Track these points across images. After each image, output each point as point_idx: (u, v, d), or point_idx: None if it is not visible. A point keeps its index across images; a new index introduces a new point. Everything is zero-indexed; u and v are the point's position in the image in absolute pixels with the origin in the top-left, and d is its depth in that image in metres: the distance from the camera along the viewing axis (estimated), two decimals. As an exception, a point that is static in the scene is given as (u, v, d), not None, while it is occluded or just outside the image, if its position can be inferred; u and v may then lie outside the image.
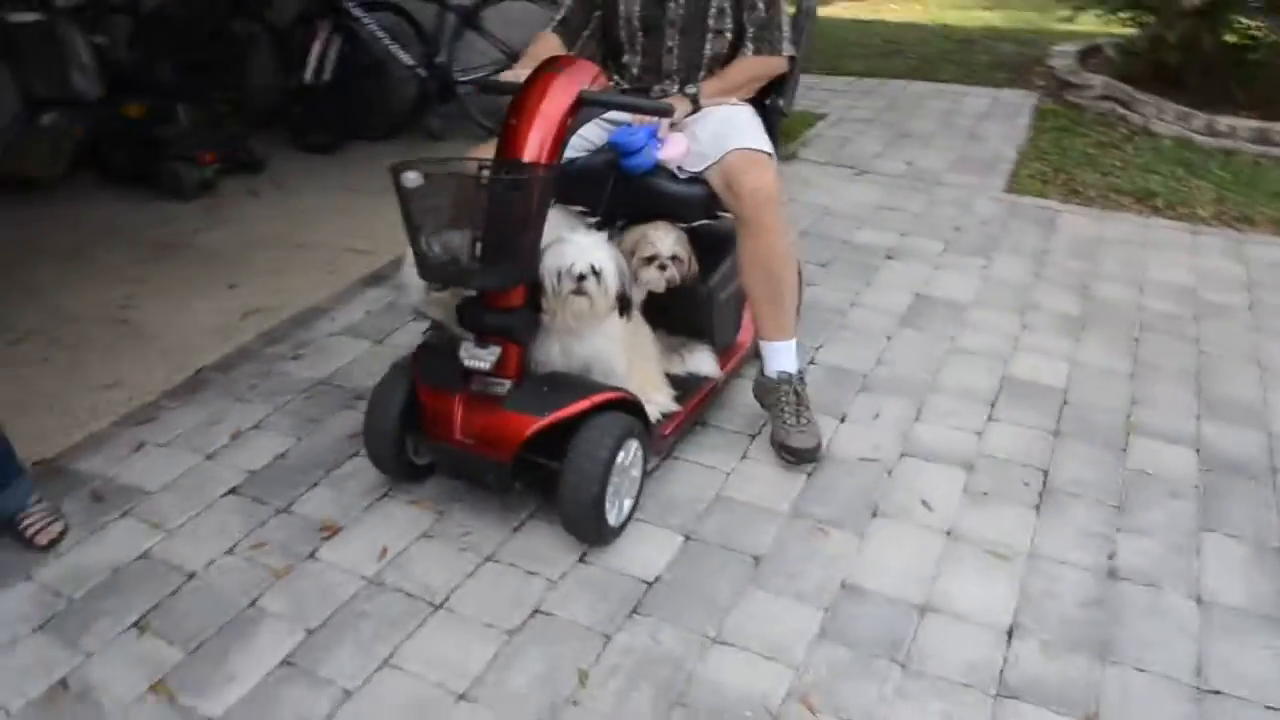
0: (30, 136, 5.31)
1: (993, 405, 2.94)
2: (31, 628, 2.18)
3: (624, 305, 2.37)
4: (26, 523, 2.39)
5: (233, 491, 2.62)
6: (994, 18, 9.18)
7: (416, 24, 5.61)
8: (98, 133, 5.29)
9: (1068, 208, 4.45)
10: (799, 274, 3.21)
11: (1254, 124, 5.08)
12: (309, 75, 5.42)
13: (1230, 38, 5.49)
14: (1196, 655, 2.05)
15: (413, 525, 2.46)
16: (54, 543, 2.39)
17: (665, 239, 2.57)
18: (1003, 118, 5.84)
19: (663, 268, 2.58)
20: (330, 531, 2.45)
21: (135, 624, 2.18)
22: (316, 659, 2.07)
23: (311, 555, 2.37)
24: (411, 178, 2.11)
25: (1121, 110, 5.66)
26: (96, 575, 2.33)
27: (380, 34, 5.48)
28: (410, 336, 3.23)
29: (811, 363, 3.16)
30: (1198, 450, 2.73)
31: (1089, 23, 6.87)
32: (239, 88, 5.65)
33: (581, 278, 2.27)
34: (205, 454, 2.78)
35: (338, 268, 3.97)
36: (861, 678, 2.00)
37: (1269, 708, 1.92)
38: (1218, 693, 1.96)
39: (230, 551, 2.39)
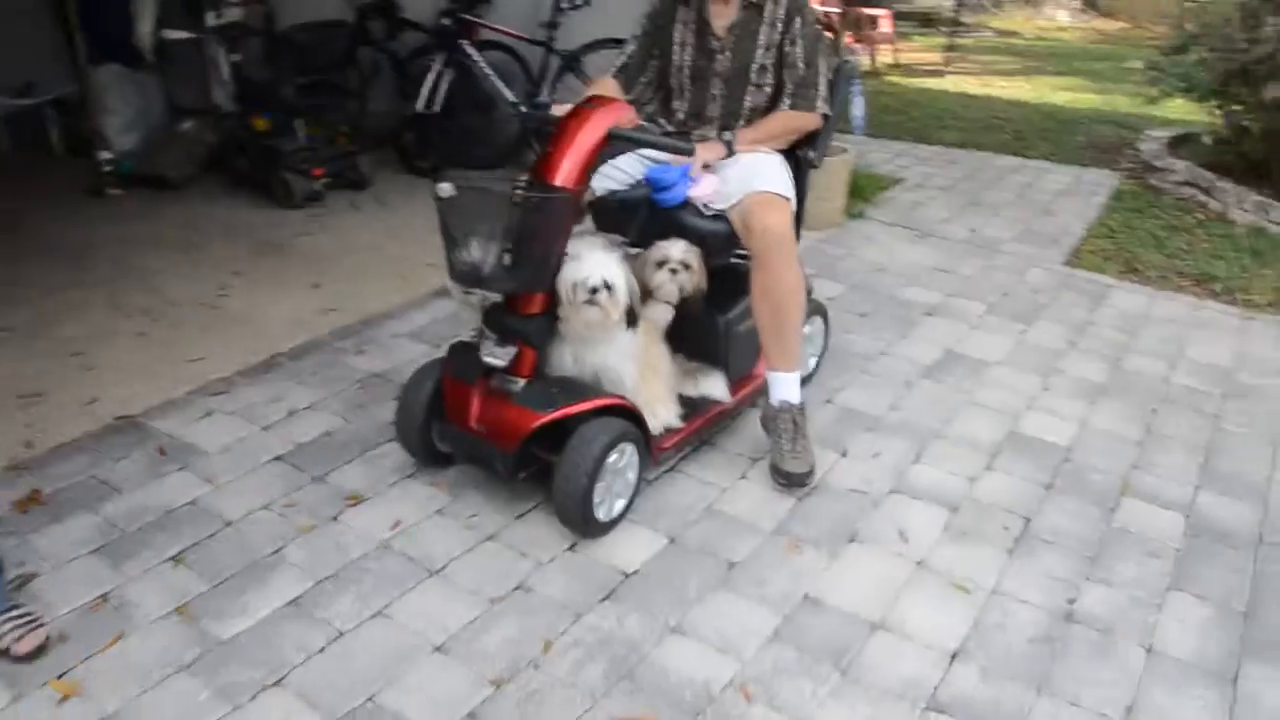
0: (168, 141, 5.86)
1: (993, 456, 3.06)
2: (88, 550, 2.51)
3: (631, 318, 2.60)
4: (3, 630, 2.15)
5: (278, 459, 2.93)
6: (1101, 101, 9.20)
7: (524, 64, 6.00)
8: (226, 142, 5.81)
9: (1122, 284, 4.52)
10: (825, 320, 3.42)
11: (1336, 218, 5.07)
12: (421, 105, 5.83)
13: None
14: (1132, 698, 2.15)
15: (428, 503, 2.72)
16: (38, 651, 2.15)
17: (675, 247, 2.81)
18: (1080, 195, 5.90)
19: (673, 271, 2.80)
20: (355, 501, 2.73)
21: (173, 557, 2.48)
22: (319, 603, 2.33)
23: (334, 518, 2.65)
24: (445, 188, 2.39)
25: (1201, 197, 5.68)
26: (149, 515, 2.65)
27: (489, 72, 5.88)
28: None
29: (828, 401, 3.33)
30: (1187, 516, 2.80)
31: (1191, 111, 6.89)
32: (358, 111, 6.11)
33: (594, 290, 2.51)
34: (262, 425, 3.11)
35: (414, 279, 4.29)
36: (801, 677, 2.16)
37: (1183, 749, 2.02)
38: (1140, 731, 2.06)
39: (265, 507, 2.69)
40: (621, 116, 2.63)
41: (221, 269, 4.41)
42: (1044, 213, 5.55)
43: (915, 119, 7.99)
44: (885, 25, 10.89)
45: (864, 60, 9.61)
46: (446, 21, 5.84)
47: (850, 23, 6.09)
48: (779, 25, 2.94)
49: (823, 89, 2.99)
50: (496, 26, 5.93)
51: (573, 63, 5.77)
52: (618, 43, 5.43)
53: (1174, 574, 2.56)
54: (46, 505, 2.70)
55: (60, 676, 2.11)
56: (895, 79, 10.20)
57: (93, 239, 4.77)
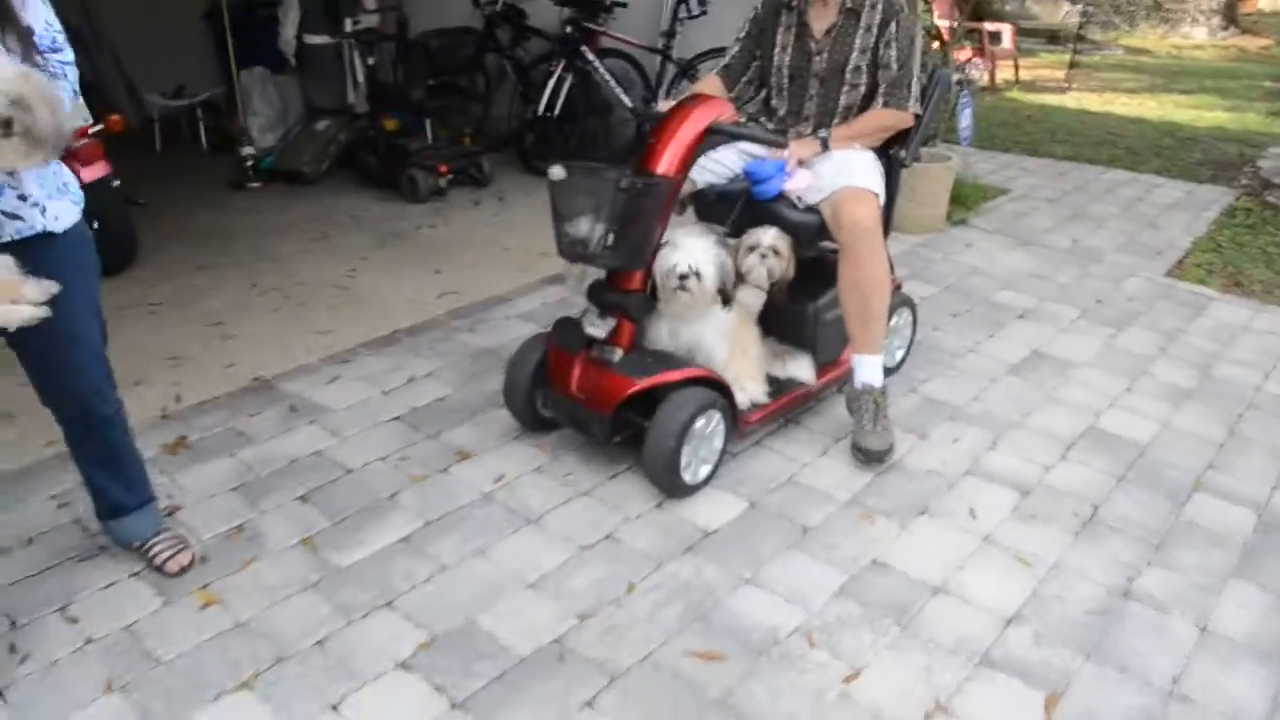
0: (304, 139, 6.30)
1: (1069, 447, 3.16)
2: (227, 489, 2.82)
3: (725, 298, 2.80)
4: (156, 549, 2.46)
5: (396, 419, 3.22)
6: (1226, 119, 9.02)
7: (642, 71, 6.26)
8: (357, 140, 6.22)
9: (1224, 297, 4.51)
10: (914, 313, 3.56)
11: None
12: (542, 108, 6.15)
13: None
14: (1181, 669, 2.25)
15: (529, 461, 2.97)
16: (184, 570, 2.44)
17: (766, 234, 3.00)
18: (1190, 210, 5.87)
19: (763, 256, 2.99)
20: (463, 457, 2.99)
21: (300, 497, 2.78)
22: (427, 541, 2.59)
23: (444, 470, 2.92)
24: (557, 171, 2.63)
25: (1318, 215, 5.60)
26: (280, 461, 2.96)
27: (608, 78, 6.16)
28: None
29: (912, 391, 3.47)
30: (1259, 514, 2.86)
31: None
32: (482, 113, 6.47)
33: (683, 276, 2.72)
34: (383, 390, 3.41)
35: (527, 267, 4.58)
36: (862, 629, 2.33)
37: (1227, 717, 2.11)
38: (1186, 698, 2.16)
39: (383, 459, 2.98)
40: (722, 112, 2.84)
41: (349, 255, 4.77)
42: (1150, 226, 5.55)
43: (1029, 133, 7.99)
44: (1007, 40, 10.86)
45: (982, 75, 9.60)
46: (569, 30, 6.15)
47: (961, 35, 6.16)
48: (875, 29, 3.11)
49: (915, 90, 3.14)
50: (617, 35, 6.21)
51: (689, 70, 6.01)
52: (730, 51, 5.66)
53: (1238, 564, 2.63)
54: (191, 449, 3.04)
55: (203, 588, 2.41)
56: (1015, 94, 10.17)
57: (234, 226, 5.19)
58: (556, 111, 6.21)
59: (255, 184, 6.01)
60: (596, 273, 2.86)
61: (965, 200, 5.64)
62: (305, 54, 6.58)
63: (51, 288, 1.91)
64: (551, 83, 6.16)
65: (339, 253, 4.81)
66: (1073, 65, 11.45)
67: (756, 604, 2.40)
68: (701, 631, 2.30)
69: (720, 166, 3.21)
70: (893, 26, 3.10)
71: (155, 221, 4.95)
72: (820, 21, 3.17)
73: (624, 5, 6.19)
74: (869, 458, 2.98)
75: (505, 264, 4.63)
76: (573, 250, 2.72)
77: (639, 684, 2.14)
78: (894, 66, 3.11)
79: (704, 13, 5.91)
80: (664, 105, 3.00)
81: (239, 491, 2.81)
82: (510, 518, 2.70)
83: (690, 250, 2.76)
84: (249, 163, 6.03)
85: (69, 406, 2.27)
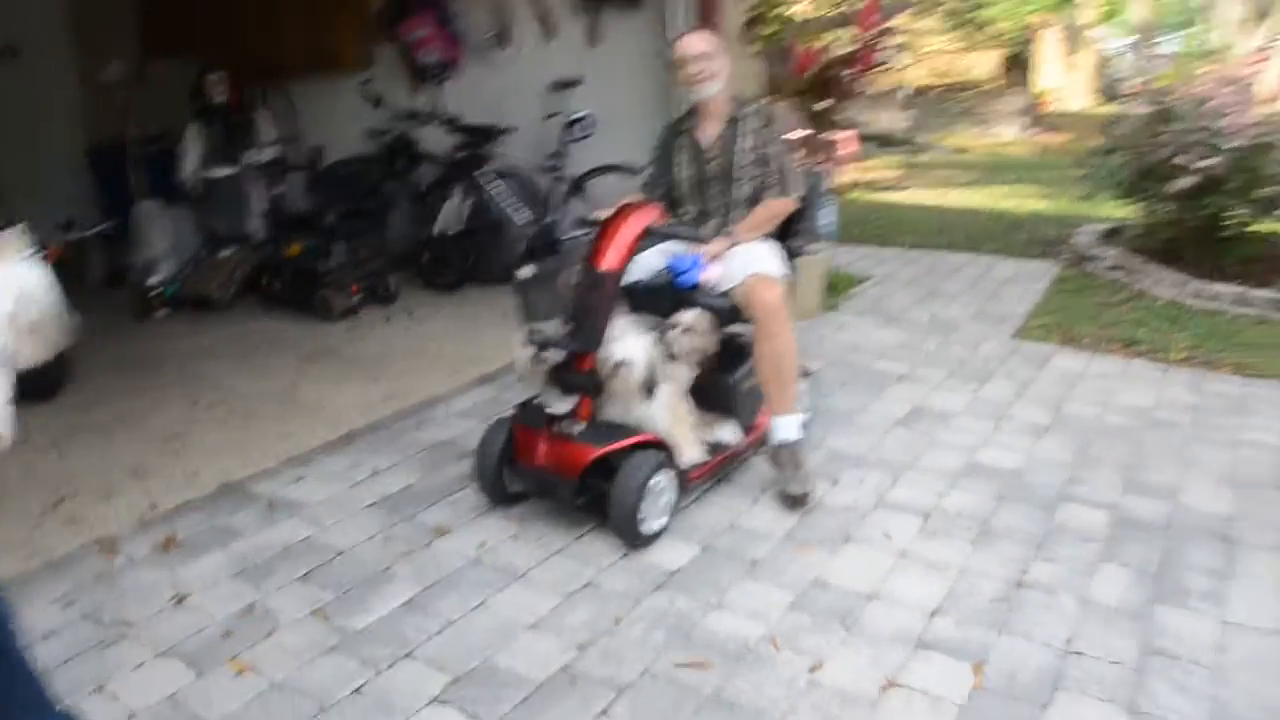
0: (208, 266, 6.59)
1: (956, 479, 3.72)
2: (229, 575, 3.12)
3: (649, 387, 3.28)
4: None
5: (371, 506, 3.56)
6: (1044, 206, 10.16)
7: (533, 190, 6.80)
8: (261, 265, 6.55)
9: (1062, 350, 5.25)
10: (812, 383, 4.11)
11: (1236, 289, 5.89)
12: (440, 227, 6.61)
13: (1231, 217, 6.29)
14: (1072, 633, 2.77)
15: (504, 530, 3.35)
16: None
17: (688, 314, 3.51)
18: (1025, 282, 6.71)
19: (684, 332, 3.48)
20: (442, 533, 3.35)
21: (300, 577, 3.10)
22: (431, 601, 2.94)
23: (428, 545, 3.27)
24: (525, 272, 3.12)
25: (1128, 278, 6.50)
26: (272, 549, 3.27)
27: (502, 197, 6.68)
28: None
29: (818, 448, 3.99)
30: (1111, 514, 3.46)
31: (1119, 208, 7.78)
32: (382, 235, 6.87)
33: (617, 365, 3.20)
34: (351, 484, 3.74)
35: (457, 371, 4.97)
36: (816, 633, 2.78)
37: (1112, 661, 2.64)
38: (1079, 653, 2.68)
39: (369, 540, 3.31)
40: (654, 216, 3.38)
41: (282, 370, 5.08)
42: (993, 297, 6.34)
43: (879, 227, 8.87)
44: (850, 145, 11.91)
45: (830, 178, 10.51)
46: (462, 154, 6.68)
47: (814, 145, 6.94)
48: (756, 133, 3.73)
49: (794, 179, 3.76)
50: (509, 156, 6.76)
51: (579, 186, 6.57)
52: (616, 168, 6.29)
53: (1103, 552, 3.20)
54: (183, 546, 3.31)
55: (232, 659, 2.70)
56: (858, 194, 11.16)
57: (155, 352, 5.47)
58: (455, 230, 6.69)
59: (163, 312, 6.26)
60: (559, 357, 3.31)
61: (835, 288, 6.33)
62: (207, 186, 6.88)
63: None
64: (450, 204, 6.64)
65: (270, 369, 5.11)
66: (907, 166, 12.61)
67: (726, 622, 2.83)
68: (685, 647, 2.72)
69: (647, 268, 3.73)
70: (771, 129, 3.73)
71: (70, 352, 5.14)
72: (709, 135, 3.78)
73: (511, 131, 6.77)
74: (795, 502, 3.47)
75: (436, 369, 5.02)
76: (539, 338, 3.17)
77: (643, 693, 2.54)
78: (775, 162, 3.72)
79: (589, 136, 6.51)
80: (602, 214, 3.51)
81: (241, 576, 3.10)
82: (499, 575, 3.08)
83: (625, 342, 3.24)
84: (154, 291, 6.28)
85: None
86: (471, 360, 5.15)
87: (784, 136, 3.81)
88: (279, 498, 3.64)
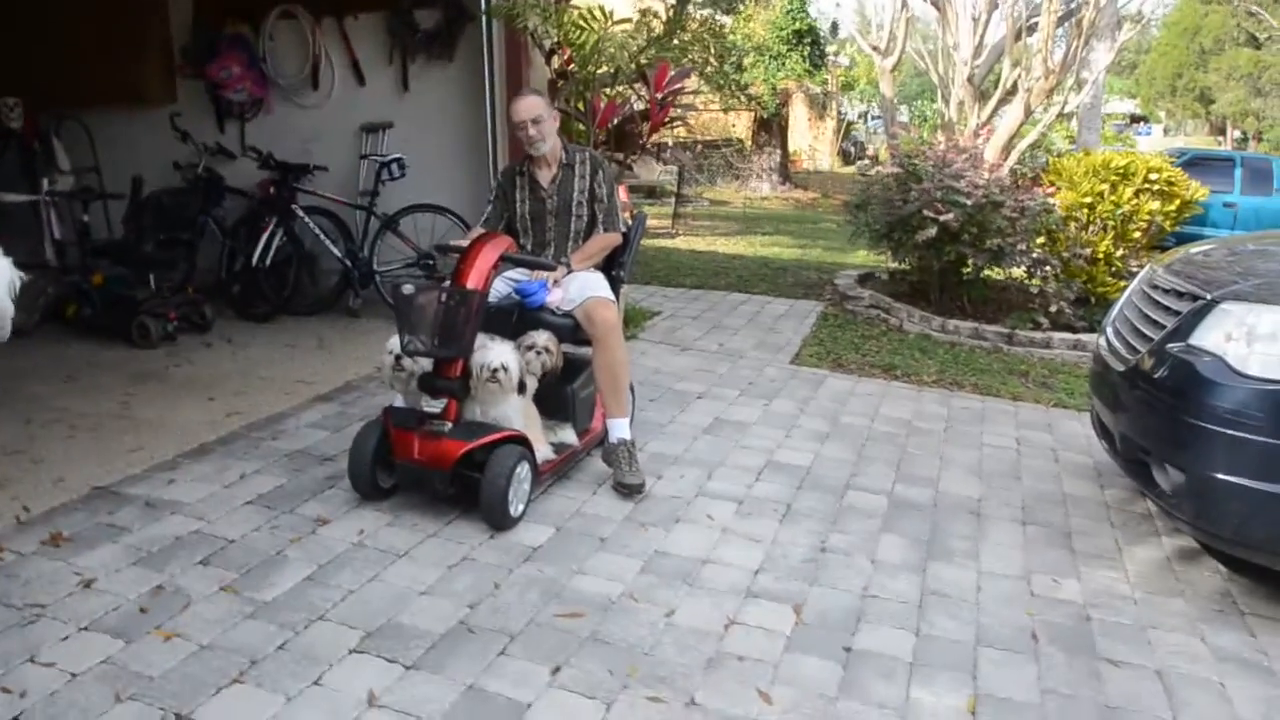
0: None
1: (759, 473, 4.42)
2: (129, 564, 3.35)
3: (522, 388, 3.79)
4: None
5: (249, 503, 3.85)
6: (804, 254, 11.35)
7: (345, 226, 7.12)
8: (66, 294, 6.53)
9: (834, 374, 6.13)
10: (633, 394, 4.73)
11: (970, 324, 7.02)
12: (255, 259, 6.81)
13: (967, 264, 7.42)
14: (867, 582, 3.48)
15: (379, 520, 3.74)
16: None
17: (540, 336, 4.05)
18: (795, 318, 7.65)
19: (538, 353, 4.02)
20: (323, 522, 3.70)
21: (200, 562, 3.38)
22: (328, 576, 3.31)
23: (314, 532, 3.62)
24: (407, 288, 3.55)
25: (884, 315, 7.56)
26: (164, 541, 3.52)
27: (316, 231, 6.96)
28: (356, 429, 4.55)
29: (640, 450, 4.59)
30: (888, 498, 4.25)
31: (871, 258, 8.93)
32: (193, 265, 6.99)
33: (495, 370, 3.70)
34: (224, 484, 4.01)
35: (293, 391, 5.26)
36: (665, 589, 3.36)
37: (901, 601, 3.36)
38: (875, 596, 3.38)
39: (256, 530, 3.62)
40: (507, 244, 3.90)
41: (110, 392, 5.19)
42: (770, 330, 7.22)
43: (659, 270, 9.68)
44: (622, 195, 12.77)
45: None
46: (274, 190, 6.93)
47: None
48: (588, 176, 4.35)
49: (619, 216, 4.40)
50: (321, 193, 7.06)
51: (391, 224, 6.95)
52: (429, 207, 6.75)
53: (883, 525, 3.96)
54: (74, 541, 3.49)
55: (156, 629, 2.97)
56: (634, 240, 11.98)
57: (-37, 381, 5.39)
58: (268, 262, 6.90)
59: (-40, 340, 6.13)
60: (427, 364, 3.75)
61: (632, 320, 7.01)
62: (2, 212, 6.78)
63: None
64: (264, 236, 6.85)
65: (98, 391, 5.20)
66: (676, 216, 13.62)
67: (589, 584, 3.36)
68: (560, 602, 3.22)
69: (497, 292, 4.23)
70: (600, 173, 4.36)
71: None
72: (545, 176, 4.36)
73: (322, 170, 7.09)
74: (630, 491, 4.05)
75: (270, 390, 5.28)
76: (414, 346, 3.62)
77: (532, 638, 3.02)
78: (605, 200, 4.35)
79: (402, 175, 6.92)
80: (460, 241, 3.99)
81: (141, 564, 3.35)
82: (384, 555, 3.47)
83: (498, 351, 3.75)
84: (-53, 321, 6.15)
85: None
86: (304, 381, 5.45)
87: (611, 180, 4.44)
88: (156, 498, 3.86)
